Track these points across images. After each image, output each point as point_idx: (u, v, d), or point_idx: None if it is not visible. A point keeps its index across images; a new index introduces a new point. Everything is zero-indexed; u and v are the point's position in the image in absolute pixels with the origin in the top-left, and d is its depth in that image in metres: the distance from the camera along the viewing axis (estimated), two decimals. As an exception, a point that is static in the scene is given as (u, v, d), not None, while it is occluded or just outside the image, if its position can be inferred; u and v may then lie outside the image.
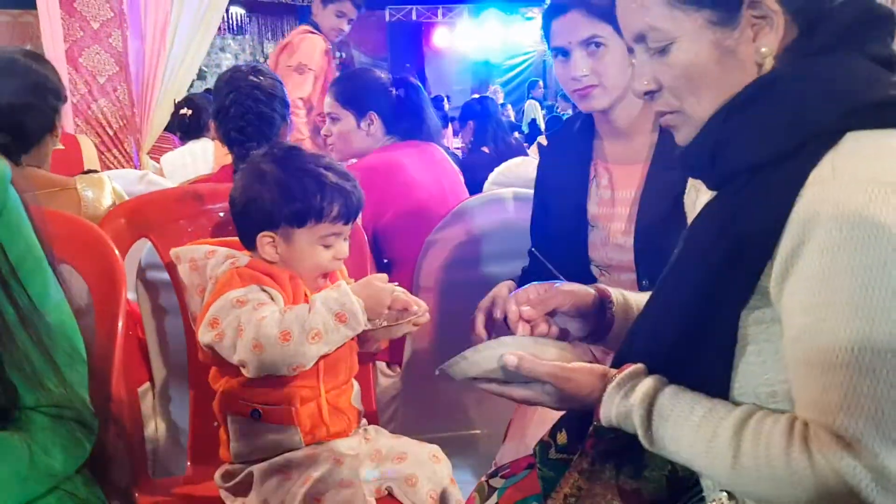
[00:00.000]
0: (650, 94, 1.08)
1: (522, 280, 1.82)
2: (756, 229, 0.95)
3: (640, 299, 1.35)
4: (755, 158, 0.98)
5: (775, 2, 0.99)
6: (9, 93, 1.82)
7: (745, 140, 1.00)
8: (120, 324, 1.38)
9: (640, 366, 1.04)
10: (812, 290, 0.89)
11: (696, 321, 1.00)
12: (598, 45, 1.71)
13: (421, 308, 1.54)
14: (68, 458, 1.08)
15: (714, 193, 1.08)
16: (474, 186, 2.84)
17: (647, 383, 1.01)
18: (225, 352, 1.44)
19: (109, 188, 1.97)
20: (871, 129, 0.93)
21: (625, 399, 1.01)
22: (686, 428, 0.96)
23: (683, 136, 1.09)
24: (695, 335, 1.00)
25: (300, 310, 1.43)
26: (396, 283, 1.53)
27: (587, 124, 1.87)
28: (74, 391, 1.07)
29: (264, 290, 1.47)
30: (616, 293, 1.34)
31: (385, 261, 2.50)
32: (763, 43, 1.01)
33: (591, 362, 1.11)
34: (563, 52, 1.75)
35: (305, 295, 1.52)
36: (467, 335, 2.17)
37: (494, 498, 1.26)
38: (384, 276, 1.52)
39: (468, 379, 1.12)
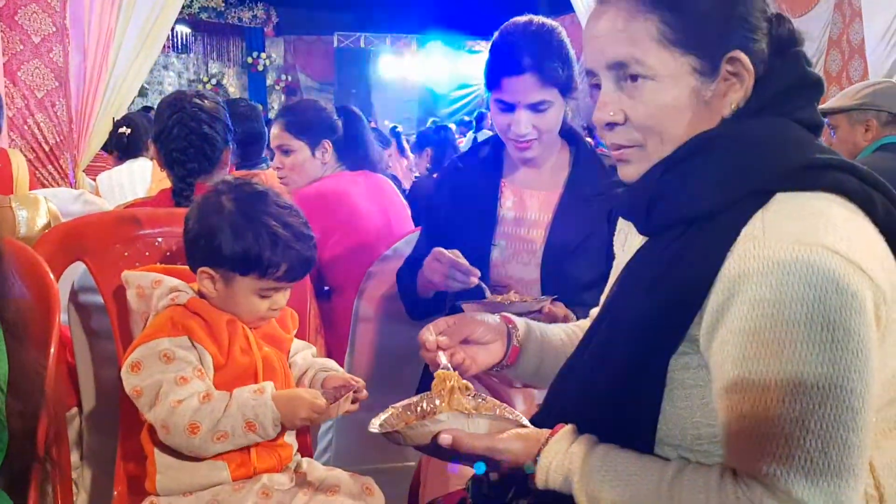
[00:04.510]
0: (611, 126, 1.09)
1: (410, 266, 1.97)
2: (687, 281, 0.98)
3: (544, 329, 1.40)
4: (689, 212, 1.02)
5: (749, 62, 1.04)
6: None
7: (681, 193, 1.03)
8: (52, 348, 1.35)
9: (569, 427, 1.06)
10: (741, 343, 0.93)
11: (627, 365, 1.03)
12: (544, 108, 1.79)
13: (359, 383, 1.54)
14: None
15: (645, 239, 1.11)
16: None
17: (578, 447, 1.03)
18: (140, 407, 1.45)
19: (45, 208, 1.93)
20: (797, 191, 0.98)
21: (559, 465, 1.03)
22: (620, 489, 0.98)
23: (633, 172, 1.11)
24: (626, 378, 1.03)
25: (217, 404, 1.42)
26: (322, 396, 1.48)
27: (496, 149, 1.96)
28: None
29: (194, 347, 1.46)
30: (520, 322, 1.38)
31: (326, 288, 2.50)
32: (732, 99, 1.05)
33: (522, 427, 1.12)
34: (508, 107, 1.80)
35: (246, 337, 1.51)
36: (404, 367, 2.19)
37: (427, 531, 1.27)
38: (314, 392, 1.48)
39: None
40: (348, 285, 2.39)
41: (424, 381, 1.99)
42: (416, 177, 5.72)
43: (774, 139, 1.03)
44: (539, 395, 1.78)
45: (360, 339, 2.34)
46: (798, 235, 0.93)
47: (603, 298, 1.24)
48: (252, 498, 1.45)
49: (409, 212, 2.69)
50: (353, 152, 2.58)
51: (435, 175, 5.23)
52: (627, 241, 1.22)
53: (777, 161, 1.00)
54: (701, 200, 1.01)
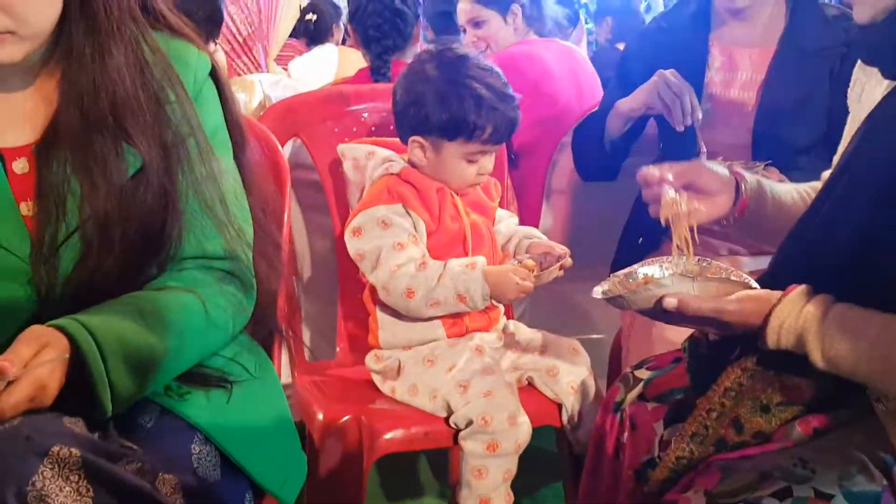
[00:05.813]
0: None
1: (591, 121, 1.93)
2: None
3: (774, 186, 1.33)
4: None
5: None
6: None
7: None
8: (287, 216, 1.46)
9: (803, 287, 1.00)
10: None
11: (868, 227, 0.96)
12: None
13: (564, 251, 1.56)
14: (236, 317, 1.12)
15: (890, 86, 1.03)
16: (606, 85, 2.78)
17: (815, 305, 0.97)
18: (363, 269, 1.56)
19: (260, 91, 2.05)
20: None
21: (791, 324, 0.98)
22: (862, 346, 0.92)
23: (867, 14, 1.02)
24: (866, 241, 0.96)
25: (431, 273, 1.49)
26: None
27: (704, 3, 1.83)
28: (245, 246, 1.12)
29: (408, 214, 1.53)
30: (750, 176, 1.32)
31: (513, 156, 2.49)
32: None
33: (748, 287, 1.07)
34: None
35: (455, 204, 1.57)
36: (598, 240, 2.18)
37: (639, 388, 1.29)
38: (528, 267, 1.51)
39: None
40: (536, 153, 2.38)
41: (619, 255, 1.98)
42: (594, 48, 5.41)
43: None
44: (749, 263, 1.73)
45: (553, 209, 2.35)
46: None
47: (838, 156, 1.16)
48: (466, 354, 1.54)
49: (598, 81, 2.62)
50: (539, 16, 2.53)
51: (620, 46, 4.96)
52: (865, 92, 1.13)
53: None
54: None
